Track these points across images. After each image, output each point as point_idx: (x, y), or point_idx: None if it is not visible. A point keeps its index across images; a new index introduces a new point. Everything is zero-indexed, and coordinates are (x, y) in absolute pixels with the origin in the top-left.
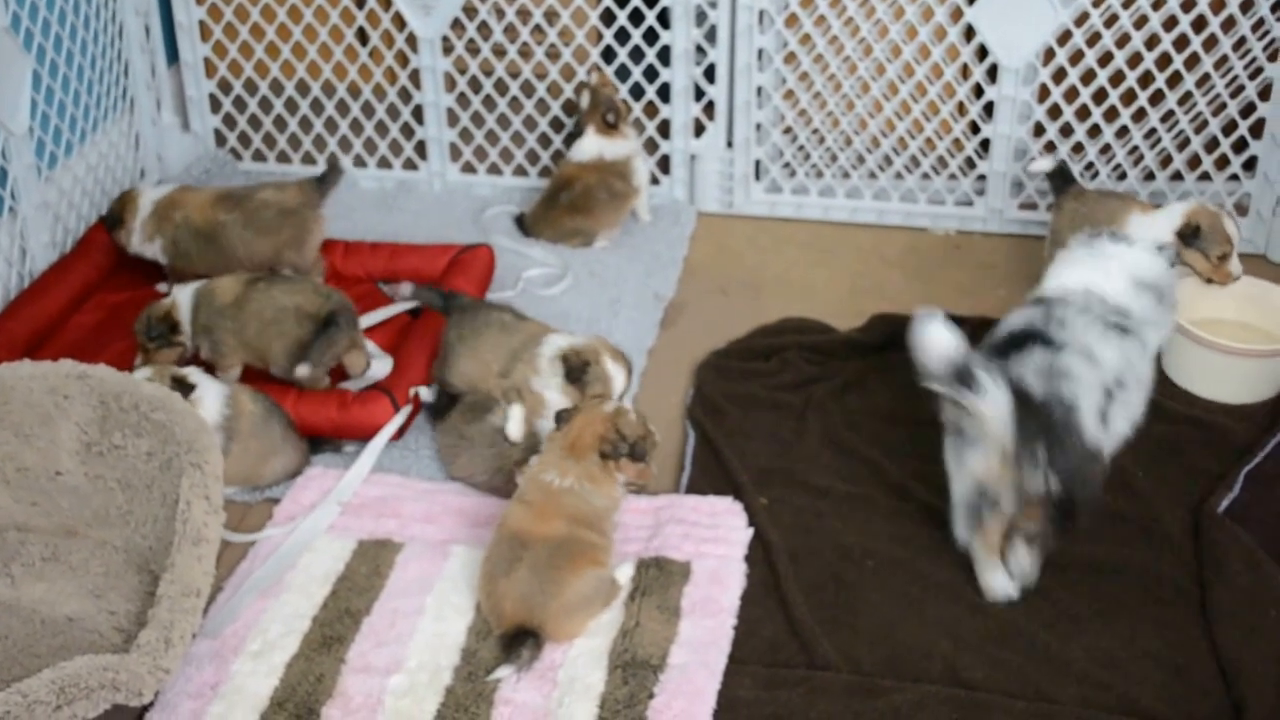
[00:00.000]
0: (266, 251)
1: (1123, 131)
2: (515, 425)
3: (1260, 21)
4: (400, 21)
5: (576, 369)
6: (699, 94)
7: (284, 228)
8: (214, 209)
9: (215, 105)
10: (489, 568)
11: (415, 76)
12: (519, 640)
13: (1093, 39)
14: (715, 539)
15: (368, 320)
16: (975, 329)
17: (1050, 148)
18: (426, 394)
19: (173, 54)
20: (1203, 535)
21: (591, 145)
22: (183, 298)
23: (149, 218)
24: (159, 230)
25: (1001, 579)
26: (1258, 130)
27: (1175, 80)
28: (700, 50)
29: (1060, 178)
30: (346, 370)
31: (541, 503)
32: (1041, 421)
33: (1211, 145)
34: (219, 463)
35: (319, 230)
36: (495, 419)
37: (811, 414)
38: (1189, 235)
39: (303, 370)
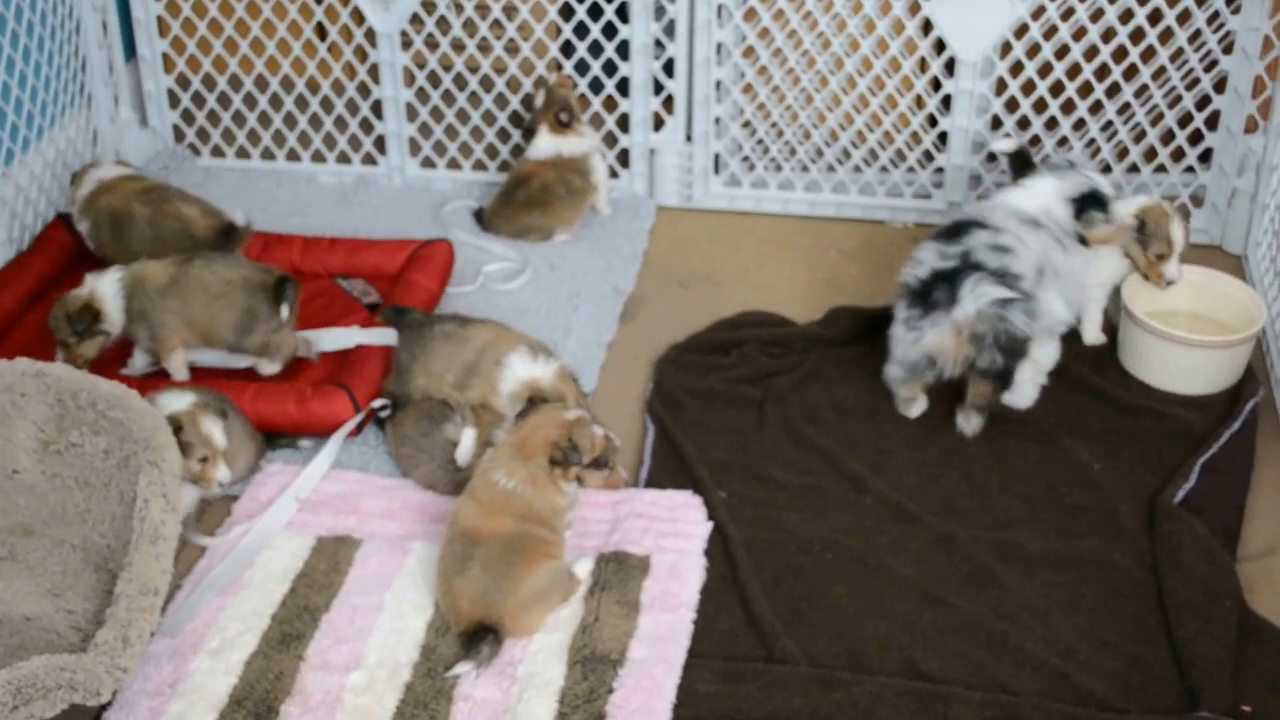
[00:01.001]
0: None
1: (1079, 124)
2: (465, 450)
3: (1215, 15)
4: (359, 16)
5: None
6: (658, 88)
7: (179, 250)
8: (134, 199)
9: (174, 100)
10: (443, 567)
11: (374, 71)
12: (478, 637)
13: (1049, 32)
14: (674, 533)
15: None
16: None
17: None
18: (384, 411)
19: (130, 49)
20: (1158, 526)
21: (547, 144)
22: (104, 286)
23: (85, 197)
24: (85, 213)
25: (918, 408)
26: (1213, 123)
27: (1131, 73)
28: (659, 45)
29: (1020, 161)
30: (271, 349)
31: (489, 500)
32: (999, 312)
33: (1168, 137)
34: (176, 460)
35: None
36: (450, 431)
37: (770, 407)
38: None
39: (284, 311)
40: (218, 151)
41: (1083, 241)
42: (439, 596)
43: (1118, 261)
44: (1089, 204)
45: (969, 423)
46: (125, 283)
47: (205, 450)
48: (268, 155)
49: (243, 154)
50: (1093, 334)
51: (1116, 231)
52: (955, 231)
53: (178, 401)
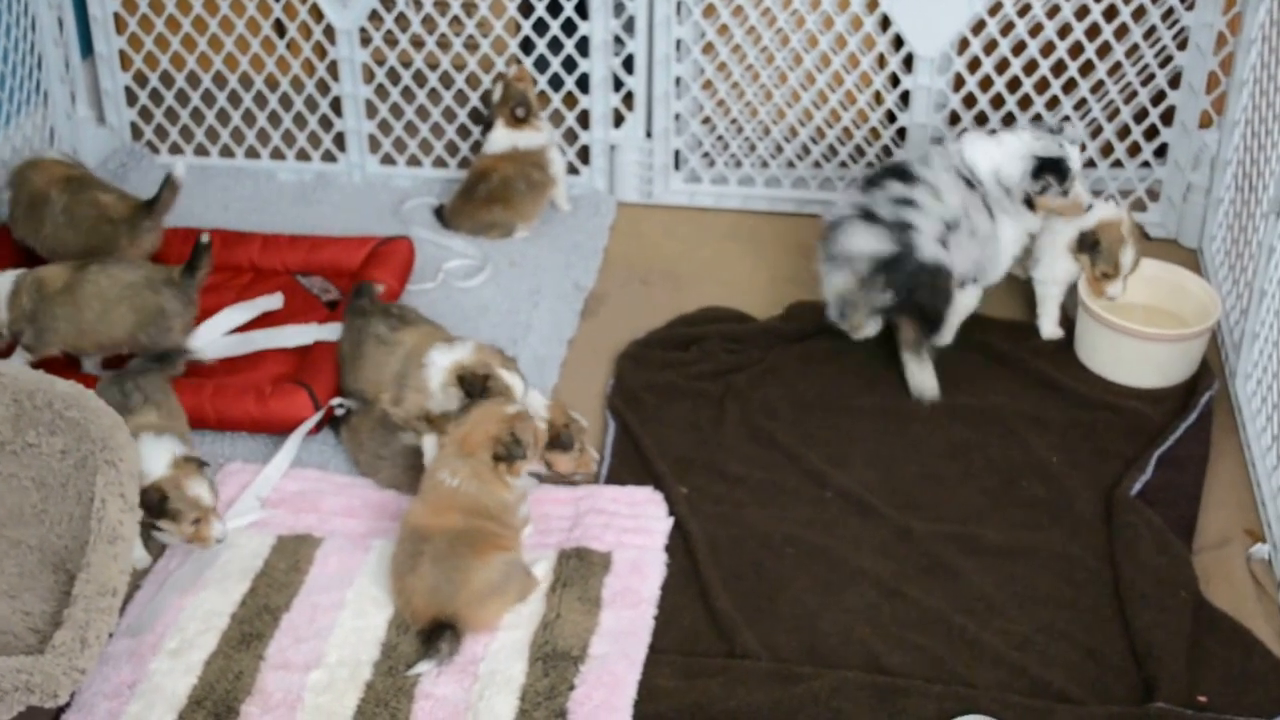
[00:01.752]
0: (71, 246)
1: (1036, 119)
2: (431, 458)
3: (1170, 10)
4: (317, 13)
5: (476, 387)
6: (618, 84)
7: (94, 234)
8: (55, 184)
9: (131, 98)
10: (395, 566)
11: (333, 68)
12: (437, 634)
13: (1006, 28)
14: (636, 529)
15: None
16: None
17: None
18: (340, 409)
19: (87, 47)
20: (1115, 518)
21: (503, 137)
22: (1, 284)
23: (19, 166)
24: (12, 180)
25: (864, 333)
26: (1168, 118)
27: (1087, 69)
28: (618, 41)
29: None
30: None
31: (436, 499)
32: (881, 257)
33: (1124, 133)
34: (135, 460)
35: (132, 248)
36: (408, 438)
37: (731, 403)
38: (1087, 242)
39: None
40: (176, 149)
41: (1029, 205)
42: (394, 597)
43: (1071, 263)
44: (1047, 169)
45: (914, 375)
46: (18, 282)
47: (196, 513)
48: (226, 153)
49: (201, 151)
50: (1050, 328)
51: (1067, 205)
52: (875, 180)
53: (156, 465)
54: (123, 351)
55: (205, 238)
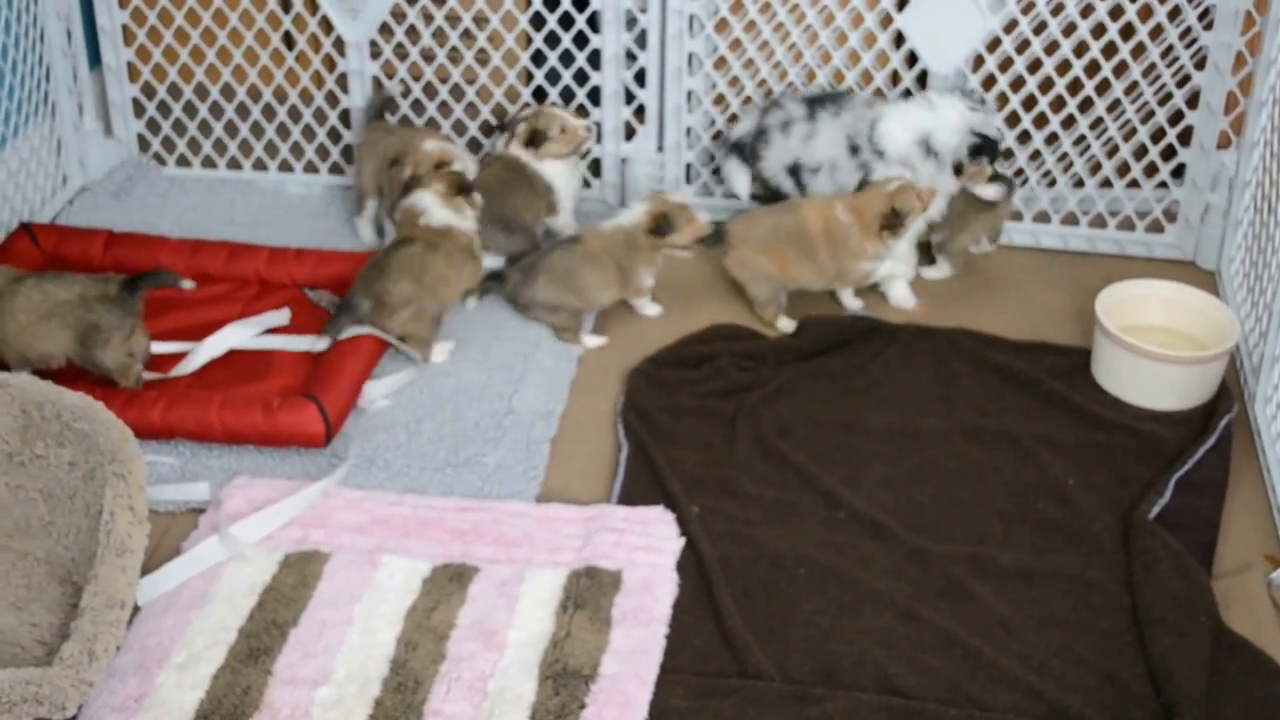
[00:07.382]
0: None
1: (1052, 138)
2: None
3: (1188, 30)
4: (327, 25)
5: (663, 224)
6: (629, 98)
7: None
8: None
9: (139, 110)
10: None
11: (343, 81)
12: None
13: (1021, 46)
14: (647, 547)
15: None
16: (910, 335)
17: None
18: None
19: (95, 58)
20: (1133, 542)
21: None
22: None
23: None
24: None
25: None
26: (1186, 138)
27: (1104, 88)
28: (630, 55)
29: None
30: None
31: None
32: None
33: (1140, 153)
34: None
35: None
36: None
37: (742, 421)
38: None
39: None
40: (183, 161)
41: (958, 171)
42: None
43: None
44: (986, 151)
45: None
46: None
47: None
48: (234, 165)
49: (209, 164)
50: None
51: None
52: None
53: None
54: (56, 365)
55: (187, 284)
